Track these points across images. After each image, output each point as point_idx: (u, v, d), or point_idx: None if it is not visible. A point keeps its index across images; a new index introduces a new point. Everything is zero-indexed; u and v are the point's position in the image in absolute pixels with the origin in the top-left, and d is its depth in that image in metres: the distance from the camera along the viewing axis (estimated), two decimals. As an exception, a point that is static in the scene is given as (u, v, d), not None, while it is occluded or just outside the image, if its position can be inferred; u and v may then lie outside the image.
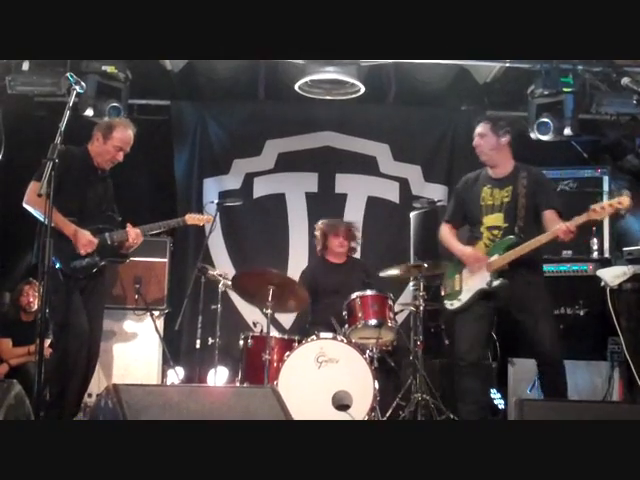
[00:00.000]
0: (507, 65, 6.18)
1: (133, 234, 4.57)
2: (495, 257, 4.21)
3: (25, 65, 5.76)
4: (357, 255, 6.03)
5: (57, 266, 4.20)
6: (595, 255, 5.73)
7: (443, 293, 4.53)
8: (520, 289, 4.19)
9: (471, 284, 4.31)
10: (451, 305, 4.42)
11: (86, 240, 4.36)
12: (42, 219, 4.19)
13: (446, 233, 4.58)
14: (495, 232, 4.29)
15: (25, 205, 4.34)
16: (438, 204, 6.24)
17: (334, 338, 4.86)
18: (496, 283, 4.18)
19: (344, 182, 7.13)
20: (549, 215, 4.22)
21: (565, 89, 6.02)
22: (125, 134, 4.57)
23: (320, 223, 5.83)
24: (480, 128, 4.44)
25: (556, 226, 4.02)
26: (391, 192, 7.14)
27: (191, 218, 5.04)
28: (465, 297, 4.33)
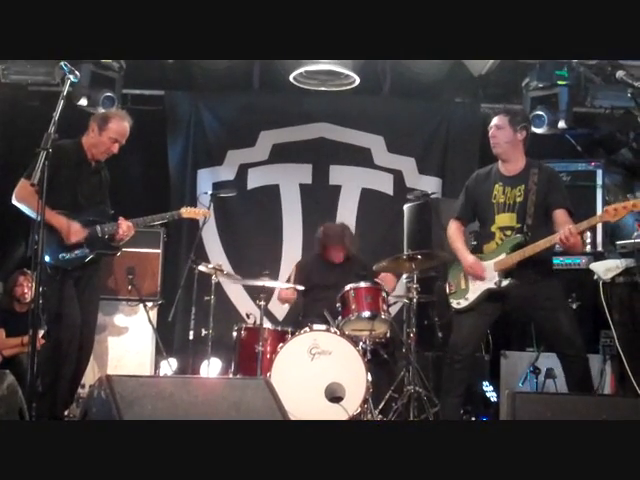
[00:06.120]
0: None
1: (124, 226, 4.54)
2: (502, 256, 4.10)
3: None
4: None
5: (46, 259, 4.17)
6: (588, 248, 5.74)
7: (448, 291, 4.37)
8: (530, 287, 4.08)
9: (478, 283, 4.19)
10: (457, 304, 4.29)
11: (75, 229, 4.35)
12: (32, 215, 4.18)
13: (454, 232, 4.42)
14: (508, 232, 4.15)
15: (15, 202, 4.31)
16: (432, 196, 6.26)
17: (327, 330, 4.86)
18: (505, 283, 4.07)
19: (338, 174, 7.12)
20: (560, 215, 4.09)
21: (560, 82, 6.02)
22: (121, 126, 4.54)
23: (322, 229, 5.72)
24: (497, 120, 4.24)
25: (565, 228, 3.86)
26: (385, 184, 7.14)
27: (187, 211, 5.00)
28: (472, 296, 4.21)
